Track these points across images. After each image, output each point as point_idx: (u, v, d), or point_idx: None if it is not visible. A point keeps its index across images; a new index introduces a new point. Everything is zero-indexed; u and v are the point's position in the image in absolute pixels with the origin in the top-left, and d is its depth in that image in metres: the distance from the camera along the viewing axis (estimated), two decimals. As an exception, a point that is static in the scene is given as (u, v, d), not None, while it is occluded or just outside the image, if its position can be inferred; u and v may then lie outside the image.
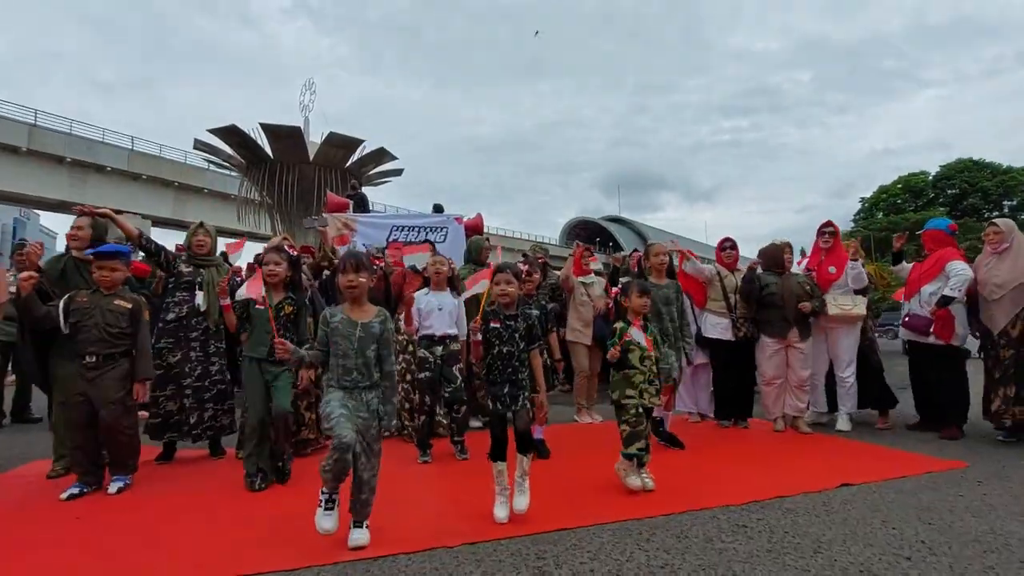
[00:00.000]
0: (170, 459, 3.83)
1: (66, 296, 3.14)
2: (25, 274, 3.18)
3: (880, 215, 37.10)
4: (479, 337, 2.67)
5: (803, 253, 5.93)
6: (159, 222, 29.08)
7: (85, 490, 3.03)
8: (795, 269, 5.05)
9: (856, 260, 4.62)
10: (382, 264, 4.84)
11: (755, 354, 4.77)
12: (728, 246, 5.11)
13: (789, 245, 4.93)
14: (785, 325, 4.55)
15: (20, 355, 4.78)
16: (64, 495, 2.95)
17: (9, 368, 5.59)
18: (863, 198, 40.47)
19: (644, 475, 3.02)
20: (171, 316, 3.78)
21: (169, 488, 3.18)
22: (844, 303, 4.55)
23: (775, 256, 4.81)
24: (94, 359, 3.04)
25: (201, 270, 3.89)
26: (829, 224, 4.87)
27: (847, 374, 4.62)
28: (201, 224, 4.09)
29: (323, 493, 2.27)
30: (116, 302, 3.13)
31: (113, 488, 3.05)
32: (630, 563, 2.11)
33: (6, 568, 2.12)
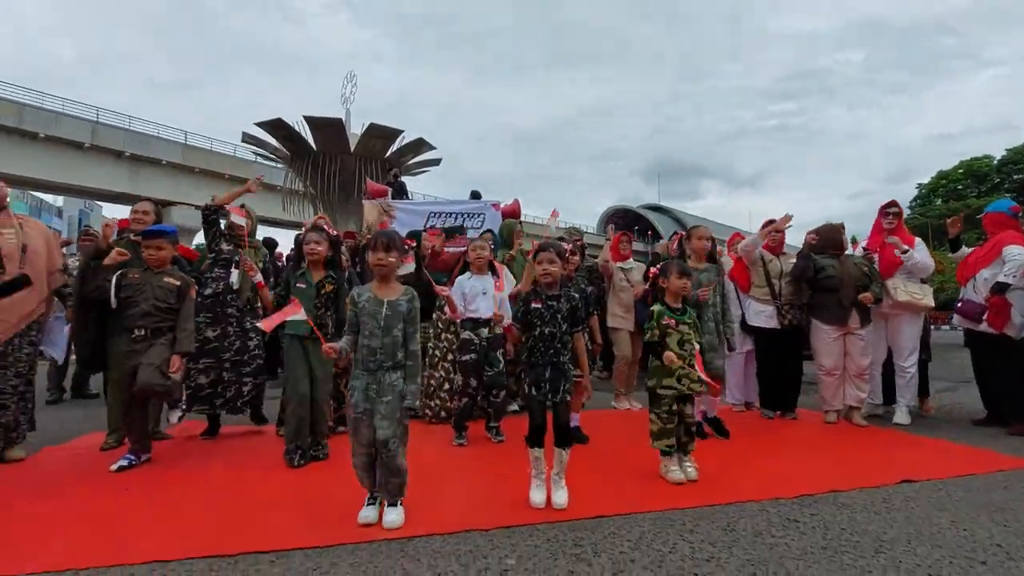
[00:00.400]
0: (214, 435, 3.94)
1: (118, 272, 3.29)
2: (116, 250, 3.40)
3: (939, 201, 35.00)
4: (507, 323, 2.60)
5: (854, 241, 5.60)
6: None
7: (134, 462, 3.14)
8: (850, 252, 4.77)
9: (908, 251, 4.30)
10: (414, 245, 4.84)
11: (811, 342, 4.53)
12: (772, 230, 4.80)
13: (843, 226, 4.65)
14: (844, 311, 4.28)
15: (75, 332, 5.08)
16: (114, 466, 3.07)
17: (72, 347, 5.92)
18: (920, 184, 38.27)
19: (687, 463, 2.90)
20: (208, 291, 3.89)
21: (212, 463, 3.26)
22: (914, 290, 4.28)
23: (833, 237, 4.52)
24: (143, 332, 3.18)
25: (240, 250, 3.98)
26: (894, 204, 4.56)
27: (909, 364, 4.35)
28: (242, 206, 4.19)
29: (367, 491, 2.38)
30: (165, 279, 3.28)
31: (174, 418, 3.25)
32: (673, 554, 2.00)
33: (58, 534, 2.20)
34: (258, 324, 3.37)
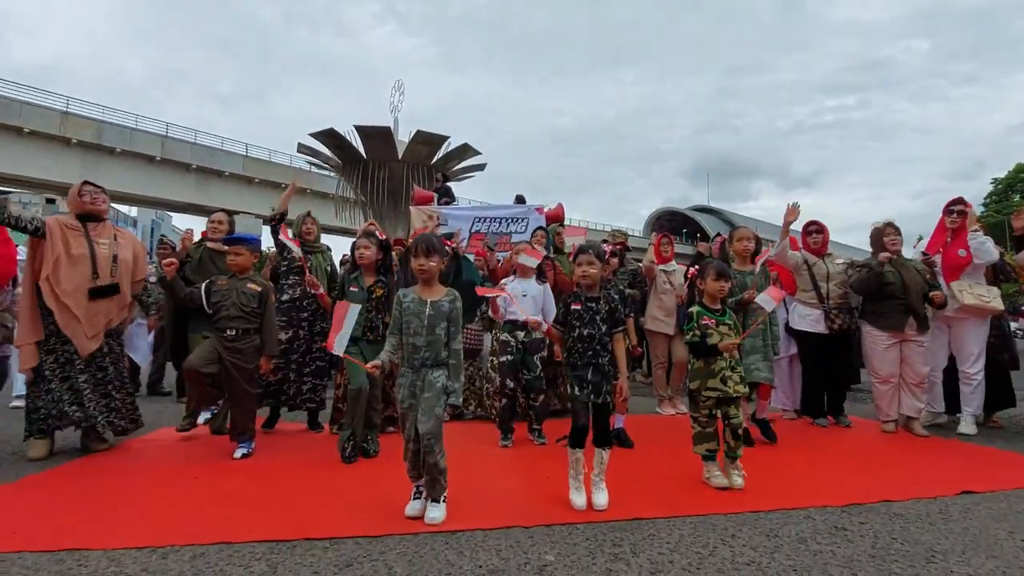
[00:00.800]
0: (272, 426, 4.21)
1: (207, 280, 3.62)
2: (167, 261, 3.71)
3: (1017, 197, 32.48)
4: (544, 327, 2.66)
5: (919, 238, 5.31)
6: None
7: (196, 423, 3.66)
8: (909, 253, 4.54)
9: (977, 231, 4.06)
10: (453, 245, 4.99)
11: (863, 348, 4.35)
12: (814, 230, 4.57)
13: (891, 225, 4.36)
14: (903, 317, 4.06)
15: (163, 335, 5.58)
16: (236, 454, 3.39)
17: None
18: (995, 178, 35.61)
19: (734, 471, 2.87)
20: (285, 297, 4.15)
21: (272, 457, 3.47)
22: (981, 293, 4.02)
23: (876, 239, 4.34)
24: (234, 332, 3.47)
25: (309, 256, 4.22)
26: (959, 201, 4.27)
27: (975, 370, 4.09)
28: (308, 213, 4.49)
29: (413, 483, 2.49)
30: (249, 285, 3.56)
31: (238, 454, 3.41)
32: (713, 557, 2.01)
33: (138, 516, 2.43)
34: (324, 345, 3.61)
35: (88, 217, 3.57)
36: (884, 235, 4.29)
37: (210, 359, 3.39)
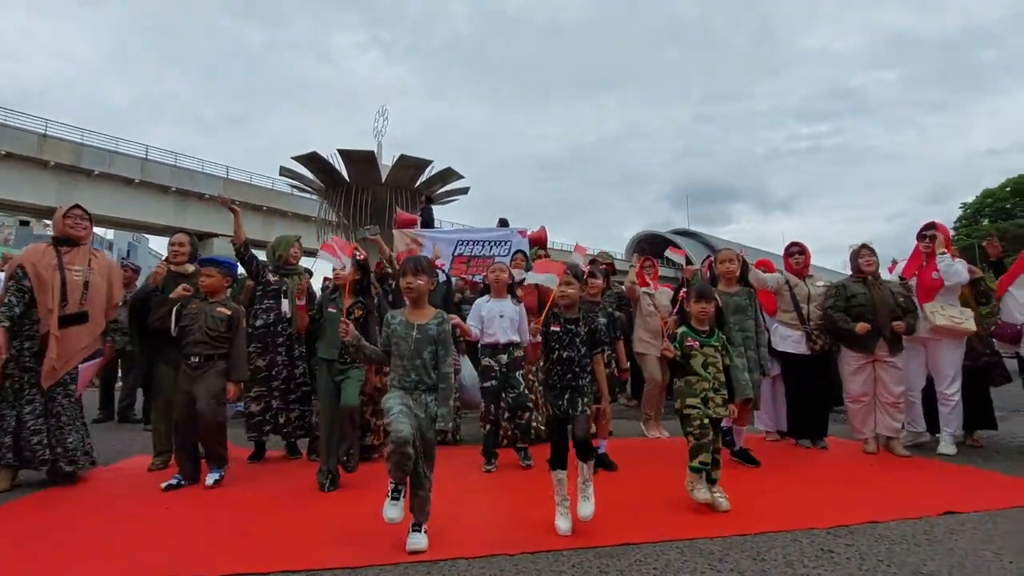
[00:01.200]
0: (260, 459, 4.07)
1: (179, 304, 3.52)
2: (183, 286, 3.71)
3: (985, 221, 33.68)
4: (538, 339, 2.63)
5: (894, 261, 5.44)
6: (248, 244, 31.46)
7: (183, 483, 3.30)
8: (887, 276, 4.64)
9: (944, 253, 4.14)
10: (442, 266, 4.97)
11: (838, 368, 4.40)
12: (796, 251, 4.65)
13: (866, 247, 4.42)
14: (873, 339, 4.12)
15: (133, 360, 5.43)
16: (163, 485, 3.24)
17: (119, 373, 6.25)
18: (965, 203, 36.96)
19: (716, 493, 2.84)
20: (259, 322, 4.06)
21: (249, 486, 3.36)
22: (953, 314, 4.06)
23: (853, 261, 4.42)
24: (198, 359, 3.37)
25: (286, 279, 4.15)
26: (930, 225, 4.37)
27: (951, 391, 4.12)
28: (299, 238, 4.46)
29: (390, 484, 2.31)
30: (218, 309, 3.47)
31: (210, 480, 3.30)
32: (700, 583, 1.98)
33: (106, 547, 2.31)
34: (288, 314, 3.67)
35: (65, 241, 3.48)
36: (859, 256, 4.38)
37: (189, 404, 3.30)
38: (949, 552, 2.25)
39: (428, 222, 8.79)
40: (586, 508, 2.48)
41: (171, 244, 4.13)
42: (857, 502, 2.95)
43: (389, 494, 2.29)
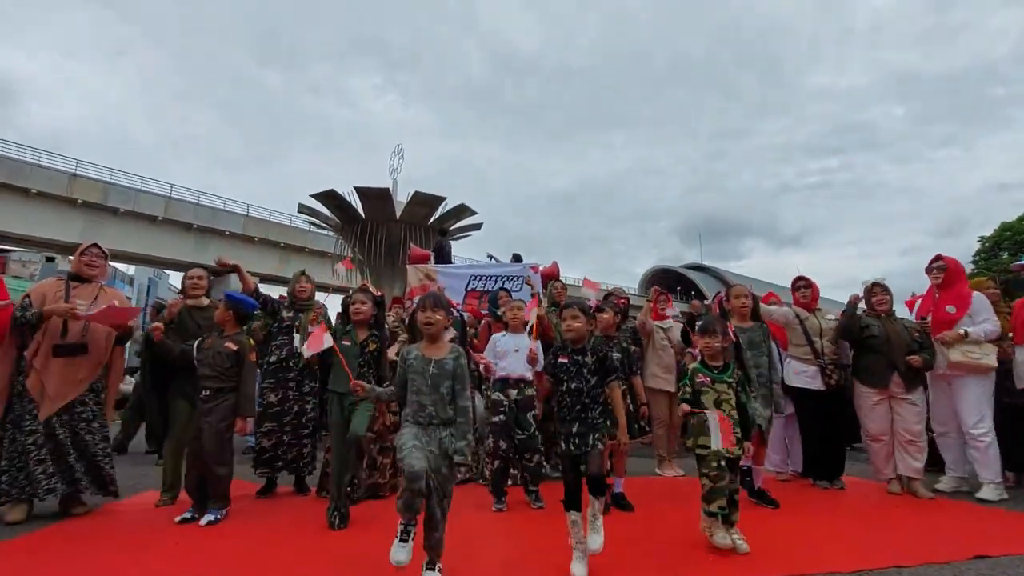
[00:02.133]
0: (270, 493, 4.05)
1: (200, 339, 3.60)
2: (152, 325, 3.72)
3: (1005, 254, 33.12)
4: (540, 366, 2.64)
5: (913, 295, 5.37)
6: (266, 279, 31.96)
7: (197, 516, 3.28)
8: (906, 312, 4.58)
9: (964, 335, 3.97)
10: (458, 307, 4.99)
11: (855, 405, 4.29)
12: (802, 285, 4.61)
13: (879, 284, 4.36)
14: (887, 373, 4.03)
15: (143, 397, 5.50)
16: (178, 518, 3.25)
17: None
18: (983, 237, 36.44)
19: (735, 535, 2.75)
20: (273, 359, 4.11)
21: (258, 522, 3.34)
22: (971, 350, 3.92)
23: (865, 299, 4.37)
24: (208, 392, 3.42)
25: (300, 314, 4.22)
26: (938, 258, 4.30)
27: (979, 431, 3.91)
28: (303, 272, 4.51)
29: (400, 525, 2.24)
30: (226, 344, 3.53)
31: (204, 521, 3.24)
32: (718, 628, 1.91)
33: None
34: (301, 349, 3.57)
35: (78, 278, 3.60)
36: (872, 295, 4.33)
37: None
38: (980, 599, 2.15)
39: (446, 257, 8.86)
40: (596, 541, 2.42)
41: (188, 278, 4.20)
42: (881, 545, 2.84)
43: (398, 535, 2.22)
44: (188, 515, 3.28)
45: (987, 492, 3.87)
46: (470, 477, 4.50)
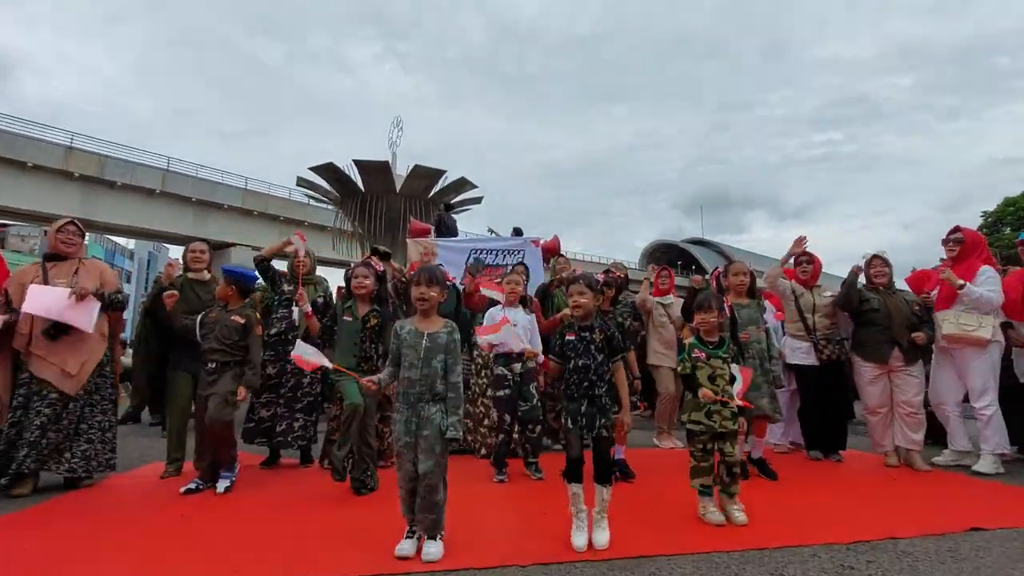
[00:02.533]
0: (273, 464, 4.10)
1: (203, 312, 3.60)
2: (168, 293, 3.68)
3: (1008, 230, 32.90)
4: (541, 359, 2.64)
5: (913, 270, 5.35)
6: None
7: (201, 486, 3.33)
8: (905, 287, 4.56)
9: (962, 286, 3.92)
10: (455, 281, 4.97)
11: (854, 379, 4.32)
12: (804, 260, 4.57)
13: (878, 257, 4.33)
14: (887, 348, 4.05)
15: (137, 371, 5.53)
16: (183, 489, 3.29)
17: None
18: (985, 211, 36.17)
19: (734, 507, 2.79)
20: (273, 331, 4.12)
21: (264, 493, 3.38)
22: (966, 322, 3.91)
23: (864, 271, 4.36)
24: (214, 365, 3.45)
25: (294, 287, 4.19)
26: (955, 230, 4.24)
27: (981, 405, 3.92)
28: (308, 253, 4.47)
29: (407, 521, 2.41)
30: (233, 318, 3.53)
31: (221, 487, 3.32)
32: (716, 598, 1.94)
33: (120, 557, 2.34)
34: (292, 356, 3.51)
35: (55, 256, 3.54)
36: (870, 267, 4.33)
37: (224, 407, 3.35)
38: (975, 571, 2.18)
39: (451, 231, 8.79)
40: (601, 537, 2.42)
41: (190, 251, 4.20)
42: (877, 517, 2.88)
43: (405, 533, 2.38)
44: (193, 486, 3.32)
45: (983, 465, 3.90)
46: (465, 448, 4.55)
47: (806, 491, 3.49)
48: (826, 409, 4.38)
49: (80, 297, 3.31)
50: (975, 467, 3.92)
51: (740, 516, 2.75)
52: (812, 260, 4.57)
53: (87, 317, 3.36)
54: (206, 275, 4.15)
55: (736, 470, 2.86)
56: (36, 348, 3.31)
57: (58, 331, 3.34)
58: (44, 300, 3.27)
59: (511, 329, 3.66)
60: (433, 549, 2.27)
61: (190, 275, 4.04)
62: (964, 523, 2.72)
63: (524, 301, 4.04)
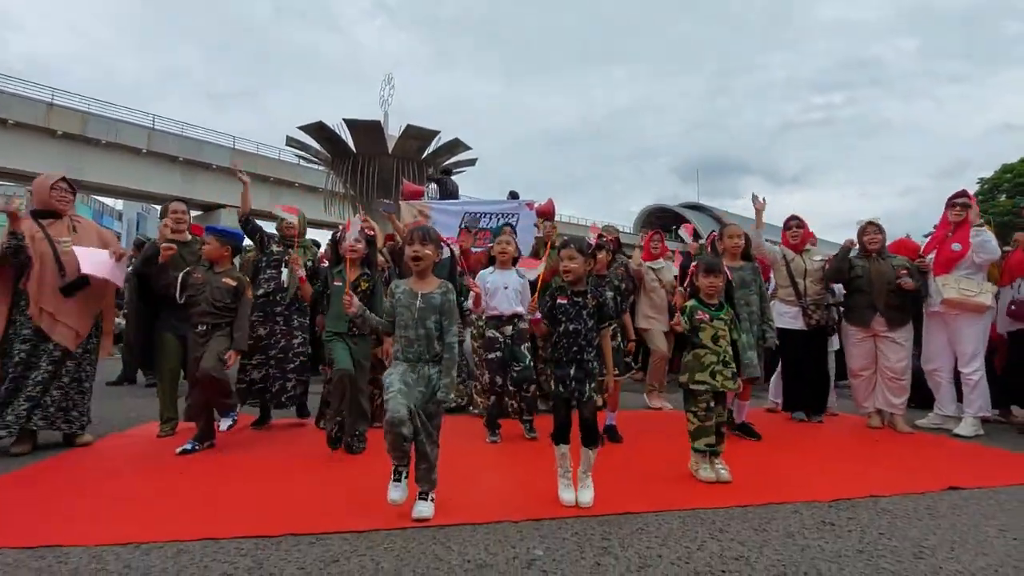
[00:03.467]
0: (264, 424, 4.15)
1: (184, 271, 3.54)
2: (165, 245, 3.62)
3: (1003, 197, 32.91)
4: (537, 316, 2.62)
5: (907, 237, 5.37)
6: (255, 214, 31.35)
7: (197, 447, 3.36)
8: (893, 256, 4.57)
9: (981, 226, 3.98)
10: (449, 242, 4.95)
11: (842, 343, 4.41)
12: (793, 224, 4.62)
13: (872, 223, 4.35)
14: (869, 312, 4.14)
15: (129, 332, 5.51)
16: (178, 450, 3.32)
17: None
18: (982, 178, 36.07)
19: (718, 466, 2.87)
20: (260, 292, 4.10)
21: (258, 453, 3.43)
22: (967, 288, 3.93)
23: (859, 238, 4.39)
24: (204, 327, 3.43)
25: (289, 250, 4.16)
26: (962, 194, 4.20)
27: (969, 370, 4.01)
28: (302, 217, 4.41)
29: (392, 463, 2.36)
30: (224, 280, 3.49)
31: (224, 425, 3.44)
32: (701, 552, 2.01)
33: (121, 511, 2.39)
34: (286, 284, 3.71)
35: (47, 214, 3.48)
36: (864, 233, 4.35)
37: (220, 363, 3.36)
38: (952, 527, 2.26)
39: (453, 196, 8.69)
40: (585, 496, 2.47)
41: (172, 212, 4.10)
42: (859, 476, 2.97)
43: (392, 475, 2.35)
44: (188, 446, 3.35)
45: (964, 428, 4.00)
46: (460, 406, 4.63)
47: (791, 450, 3.59)
48: (810, 373, 4.46)
49: (119, 257, 3.54)
50: (956, 430, 4.03)
51: (725, 474, 2.83)
52: (801, 224, 4.61)
53: (121, 274, 3.66)
54: (188, 236, 4.09)
55: (723, 430, 2.93)
56: (46, 304, 3.32)
57: (73, 289, 3.37)
58: (94, 260, 3.44)
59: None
60: (424, 508, 2.30)
61: (171, 236, 3.98)
62: (942, 483, 2.81)
63: (515, 263, 4.01)
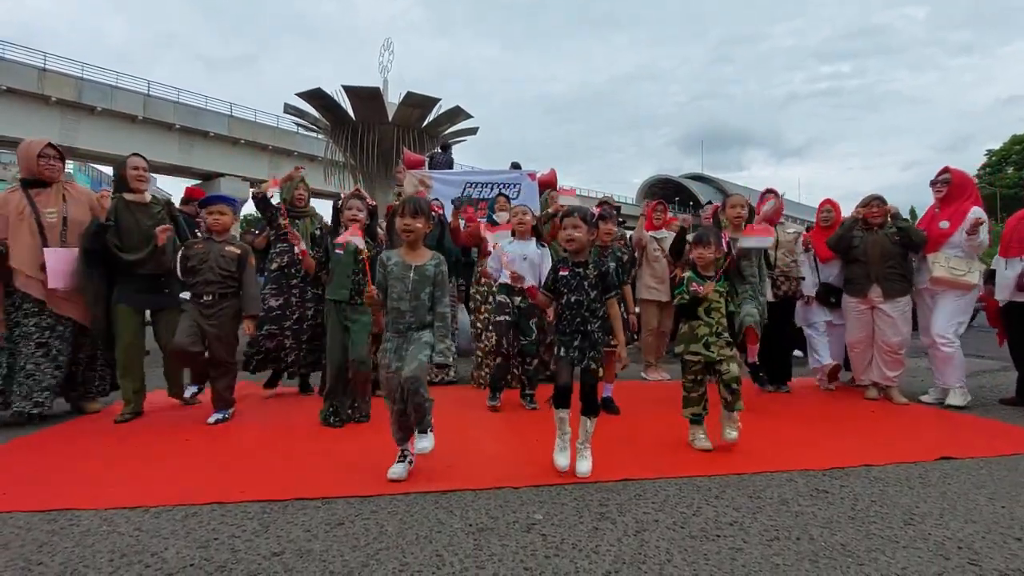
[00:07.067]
0: (274, 386, 4.29)
1: (183, 245, 3.49)
2: (161, 228, 3.51)
3: (1011, 169, 32.52)
4: (531, 284, 2.63)
5: (912, 212, 5.32)
6: (256, 184, 31.24)
7: (224, 417, 3.42)
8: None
9: (982, 224, 3.89)
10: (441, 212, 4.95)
11: (843, 314, 4.46)
12: (771, 198, 4.56)
13: (875, 198, 4.31)
14: (866, 283, 4.17)
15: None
16: (211, 419, 3.37)
17: None
18: (990, 150, 35.57)
19: (729, 423, 2.92)
20: (274, 266, 4.13)
21: (263, 420, 3.50)
22: (956, 267, 3.94)
23: (862, 207, 4.37)
24: (211, 298, 3.40)
25: (297, 222, 4.17)
26: (944, 171, 4.20)
27: (942, 340, 3.99)
28: (301, 179, 4.36)
29: (399, 448, 2.49)
30: (227, 248, 3.49)
31: (212, 420, 3.39)
32: (697, 517, 2.06)
33: (130, 476, 2.45)
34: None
35: (36, 183, 3.41)
36: (866, 207, 4.32)
37: (194, 336, 3.30)
38: (942, 495, 2.31)
39: (447, 165, 8.61)
40: (583, 465, 2.49)
41: (131, 167, 3.61)
42: (853, 446, 3.02)
43: (397, 456, 2.46)
44: (220, 416, 3.42)
45: (953, 398, 4.04)
46: (456, 379, 4.68)
47: (787, 420, 3.64)
48: (774, 344, 4.46)
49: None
50: (947, 400, 4.08)
51: (732, 433, 2.89)
52: (777, 197, 4.60)
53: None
54: (147, 197, 3.68)
55: (735, 386, 2.89)
56: (30, 271, 3.30)
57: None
58: (65, 272, 3.34)
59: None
60: (425, 442, 2.36)
61: (129, 196, 3.55)
62: (935, 453, 2.86)
63: (536, 232, 3.93)
